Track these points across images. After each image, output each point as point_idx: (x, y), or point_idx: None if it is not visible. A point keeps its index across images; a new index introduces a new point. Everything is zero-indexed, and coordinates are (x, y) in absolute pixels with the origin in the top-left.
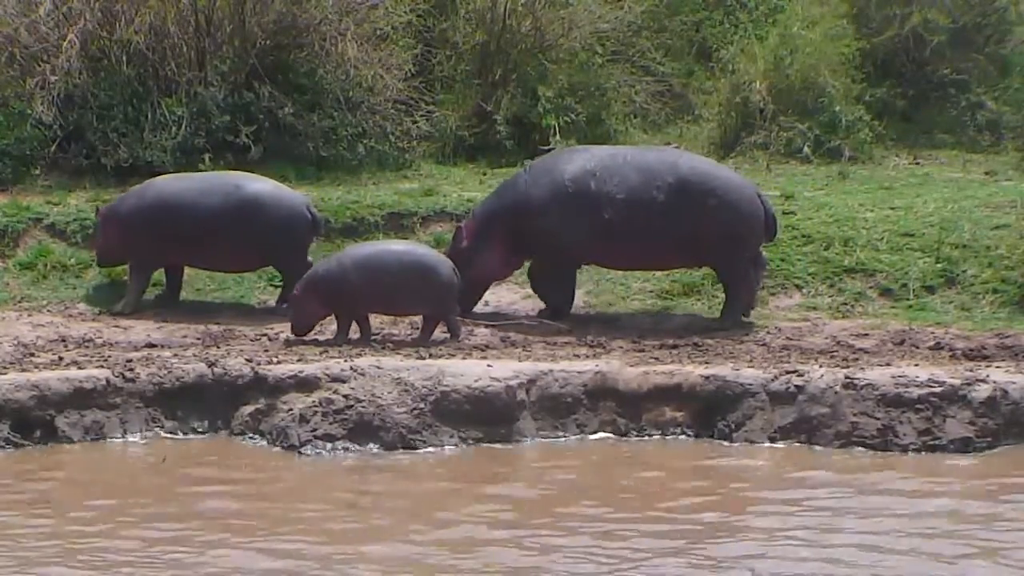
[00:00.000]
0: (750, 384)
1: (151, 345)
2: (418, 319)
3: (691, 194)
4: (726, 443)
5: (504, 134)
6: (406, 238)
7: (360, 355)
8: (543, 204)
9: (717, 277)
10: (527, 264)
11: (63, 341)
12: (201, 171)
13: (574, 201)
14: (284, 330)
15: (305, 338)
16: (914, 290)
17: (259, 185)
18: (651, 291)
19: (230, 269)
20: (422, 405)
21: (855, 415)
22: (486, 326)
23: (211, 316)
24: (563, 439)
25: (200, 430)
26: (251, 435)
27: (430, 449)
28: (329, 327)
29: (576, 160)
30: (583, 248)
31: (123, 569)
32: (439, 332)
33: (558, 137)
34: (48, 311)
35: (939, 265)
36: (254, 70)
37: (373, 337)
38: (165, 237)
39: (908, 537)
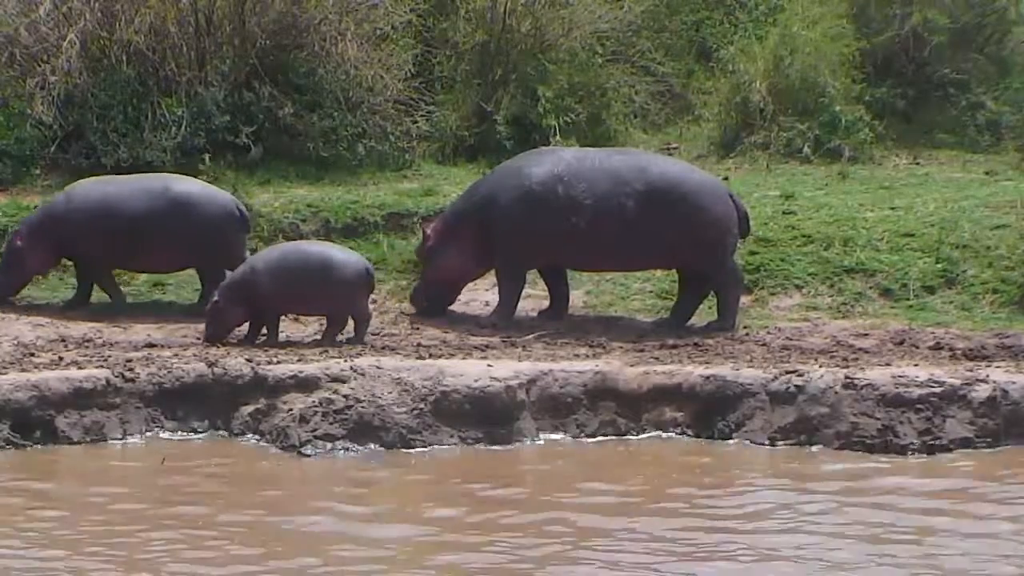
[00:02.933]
0: (750, 384)
1: (151, 345)
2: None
3: (661, 202)
4: (726, 443)
5: (504, 134)
6: (404, 238)
7: (360, 355)
8: (509, 206)
9: (706, 280)
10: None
11: (63, 341)
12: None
13: (541, 205)
14: (283, 329)
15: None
16: (914, 290)
17: (188, 186)
18: (651, 291)
19: (161, 270)
20: (422, 405)
21: (855, 415)
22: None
23: None
24: (563, 439)
25: (200, 430)
26: (251, 435)
27: (430, 449)
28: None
29: (543, 163)
30: (548, 251)
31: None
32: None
33: (558, 137)
34: (48, 311)
35: (939, 265)
36: (254, 70)
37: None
38: (98, 239)
39: None
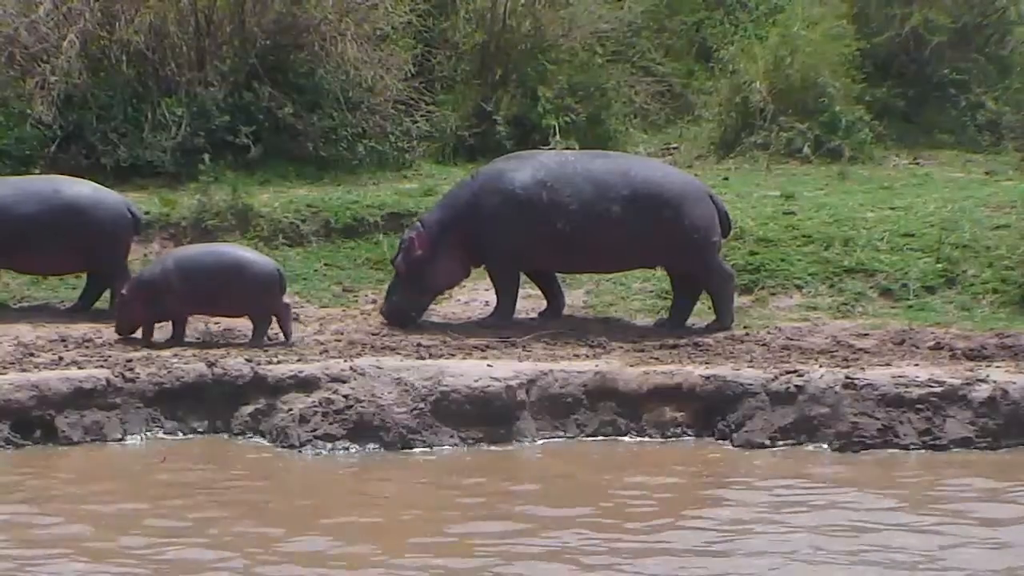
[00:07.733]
0: (750, 384)
1: (151, 345)
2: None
3: (645, 207)
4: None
5: (504, 134)
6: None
7: (360, 355)
8: (493, 212)
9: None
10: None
11: (63, 341)
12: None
13: (525, 210)
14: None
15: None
16: (914, 290)
17: (78, 188)
18: (651, 291)
19: (51, 273)
20: (422, 405)
21: (855, 415)
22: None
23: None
24: (563, 439)
25: (200, 430)
26: (251, 435)
27: (430, 449)
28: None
29: (525, 168)
30: (534, 256)
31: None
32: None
33: (558, 137)
34: (48, 311)
35: (939, 265)
36: (254, 70)
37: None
38: None
39: None
